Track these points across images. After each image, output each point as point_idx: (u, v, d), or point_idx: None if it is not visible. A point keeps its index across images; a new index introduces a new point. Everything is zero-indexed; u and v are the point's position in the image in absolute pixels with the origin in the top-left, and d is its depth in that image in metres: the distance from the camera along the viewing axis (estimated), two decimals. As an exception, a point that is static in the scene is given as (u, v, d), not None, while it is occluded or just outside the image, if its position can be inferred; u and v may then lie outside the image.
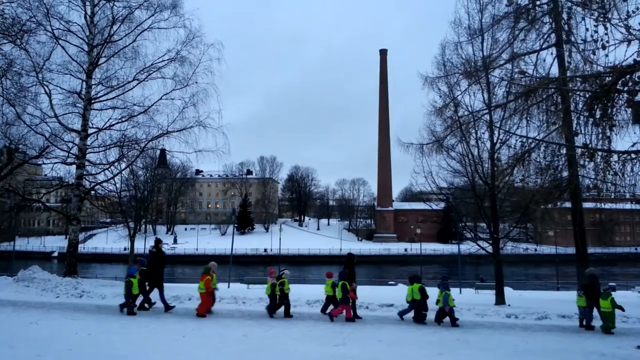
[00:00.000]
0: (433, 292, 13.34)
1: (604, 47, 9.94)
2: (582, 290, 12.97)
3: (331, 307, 13.03)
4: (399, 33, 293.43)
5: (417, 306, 12.71)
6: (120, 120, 22.95)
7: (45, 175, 31.30)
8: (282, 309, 13.04)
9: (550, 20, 19.51)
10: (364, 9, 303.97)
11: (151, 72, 22.71)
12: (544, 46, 19.91)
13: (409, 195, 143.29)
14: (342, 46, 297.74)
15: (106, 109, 23.11)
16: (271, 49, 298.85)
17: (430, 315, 12.75)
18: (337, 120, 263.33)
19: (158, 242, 14.12)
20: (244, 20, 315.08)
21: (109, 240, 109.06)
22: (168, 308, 13.19)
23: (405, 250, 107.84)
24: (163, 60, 22.71)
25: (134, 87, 22.81)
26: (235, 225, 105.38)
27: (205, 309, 12.74)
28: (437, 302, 12.73)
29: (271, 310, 12.91)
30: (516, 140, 18.27)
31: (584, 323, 12.69)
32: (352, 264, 13.44)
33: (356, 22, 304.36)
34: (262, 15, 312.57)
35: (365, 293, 13.70)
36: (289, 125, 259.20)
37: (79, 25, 22.04)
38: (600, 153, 11.73)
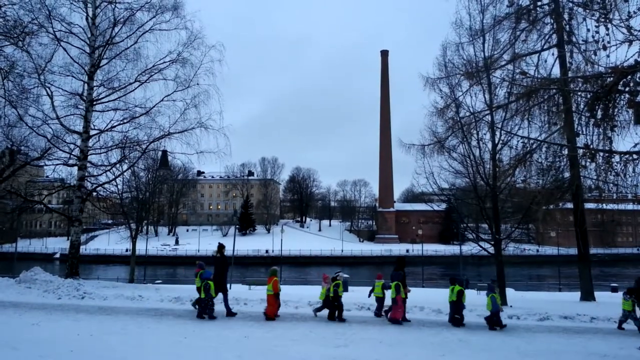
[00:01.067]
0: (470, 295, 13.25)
1: (604, 48, 9.93)
2: (628, 294, 12.88)
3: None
4: (400, 35, 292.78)
5: (452, 308, 12.65)
6: (121, 122, 23.04)
7: (47, 176, 31.42)
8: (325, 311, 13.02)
9: (552, 21, 19.54)
10: (365, 13, 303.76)
11: (153, 73, 22.78)
12: (545, 47, 19.93)
13: (411, 196, 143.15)
14: (344, 49, 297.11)
15: (108, 111, 23.20)
16: (274, 52, 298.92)
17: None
18: (338, 122, 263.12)
19: (221, 247, 14.00)
20: (247, 24, 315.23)
21: (110, 241, 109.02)
22: (230, 314, 13.00)
23: (407, 251, 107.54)
24: (164, 62, 22.79)
25: (135, 88, 22.88)
26: (237, 226, 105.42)
27: (273, 311, 12.59)
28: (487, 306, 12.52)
29: (331, 314, 12.76)
30: (518, 141, 18.27)
31: (622, 326, 12.64)
32: (404, 266, 13.47)
33: (358, 26, 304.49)
34: (265, 19, 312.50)
35: (367, 294, 13.72)
36: (291, 126, 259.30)
37: (80, 27, 22.13)
38: (601, 154, 11.72)
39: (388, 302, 13.21)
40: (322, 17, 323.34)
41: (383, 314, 13.17)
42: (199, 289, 12.92)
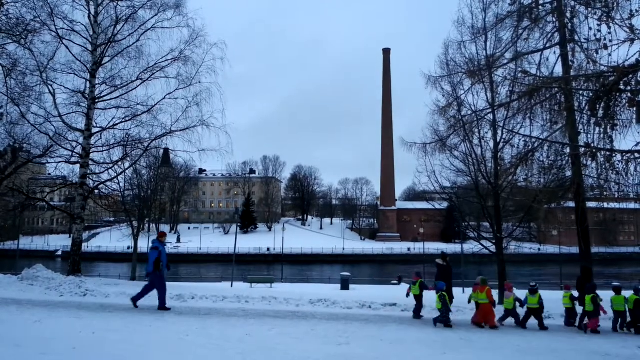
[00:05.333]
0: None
1: (606, 47, 9.92)
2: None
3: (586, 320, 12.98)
4: (405, 37, 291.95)
5: (633, 316, 12.42)
6: (124, 120, 23.10)
7: (49, 174, 31.48)
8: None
9: (554, 19, 19.43)
10: (373, 18, 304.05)
11: (155, 71, 22.80)
12: (547, 45, 19.82)
13: (412, 194, 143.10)
14: (350, 52, 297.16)
15: (110, 109, 23.25)
16: (284, 55, 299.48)
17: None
18: (341, 121, 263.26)
19: (445, 256, 14.39)
20: (260, 27, 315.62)
21: (112, 239, 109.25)
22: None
23: (409, 249, 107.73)
24: (167, 60, 22.80)
25: (137, 86, 22.91)
26: (238, 224, 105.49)
27: (494, 319, 12.64)
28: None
29: (521, 322, 12.81)
30: (519, 140, 18.21)
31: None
32: (591, 276, 13.62)
33: (365, 30, 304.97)
34: (273, 23, 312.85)
35: (368, 292, 13.73)
36: (292, 125, 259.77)
37: (82, 24, 22.15)
38: (602, 152, 11.70)
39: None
40: (332, 22, 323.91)
41: (582, 325, 12.90)
42: (416, 297, 13.56)
